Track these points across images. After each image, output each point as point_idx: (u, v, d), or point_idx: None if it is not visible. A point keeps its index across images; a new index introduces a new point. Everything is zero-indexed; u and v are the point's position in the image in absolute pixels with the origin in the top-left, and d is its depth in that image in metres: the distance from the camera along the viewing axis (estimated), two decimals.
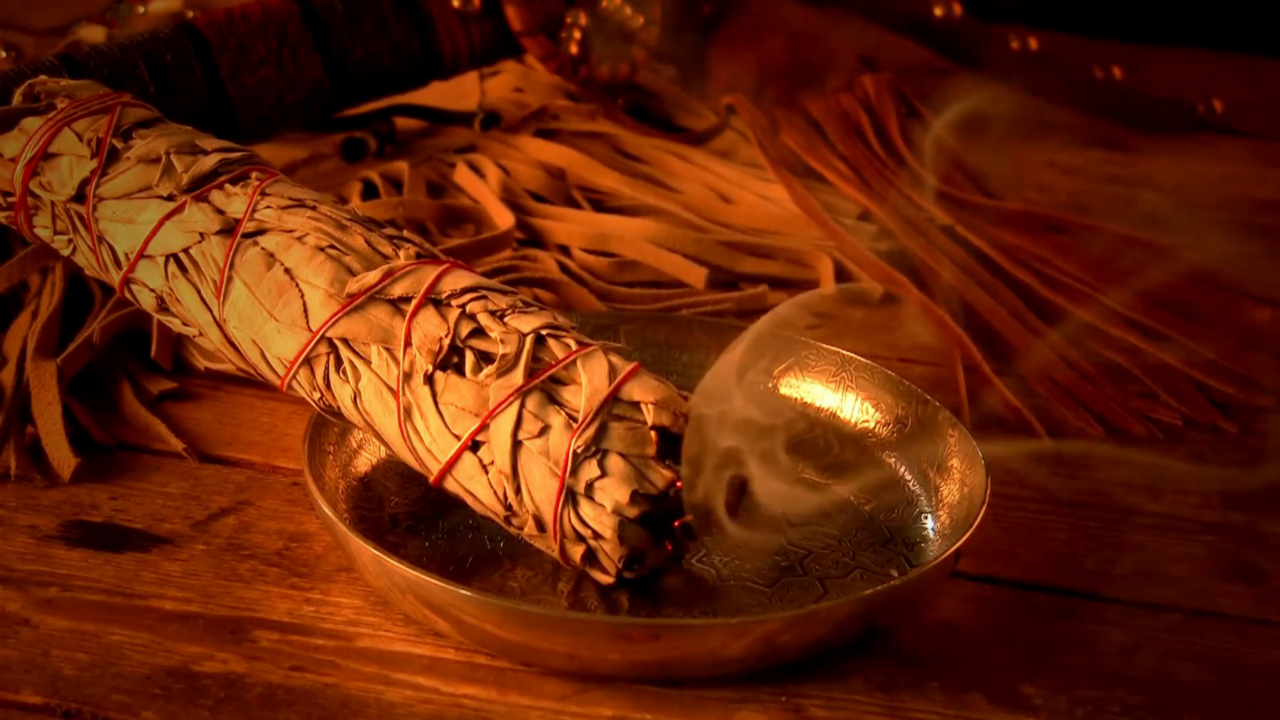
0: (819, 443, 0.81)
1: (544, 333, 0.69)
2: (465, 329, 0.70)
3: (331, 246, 0.73)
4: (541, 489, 0.67)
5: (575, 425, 0.67)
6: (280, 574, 0.73)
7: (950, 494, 0.76)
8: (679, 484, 0.67)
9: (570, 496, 0.67)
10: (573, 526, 0.67)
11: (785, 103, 1.13)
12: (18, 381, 0.82)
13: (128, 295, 0.77)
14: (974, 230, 1.02)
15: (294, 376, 0.72)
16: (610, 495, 0.66)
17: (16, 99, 0.81)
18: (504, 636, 0.66)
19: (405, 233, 0.75)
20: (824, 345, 0.83)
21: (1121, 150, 1.24)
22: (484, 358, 0.69)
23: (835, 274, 0.99)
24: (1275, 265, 0.99)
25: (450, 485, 0.70)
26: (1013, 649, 0.70)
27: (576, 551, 0.67)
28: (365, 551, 0.67)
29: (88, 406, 0.83)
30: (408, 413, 0.69)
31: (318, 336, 0.71)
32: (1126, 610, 0.73)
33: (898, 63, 1.27)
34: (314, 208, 0.74)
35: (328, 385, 0.71)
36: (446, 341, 0.69)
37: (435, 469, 0.69)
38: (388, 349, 0.70)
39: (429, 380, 0.69)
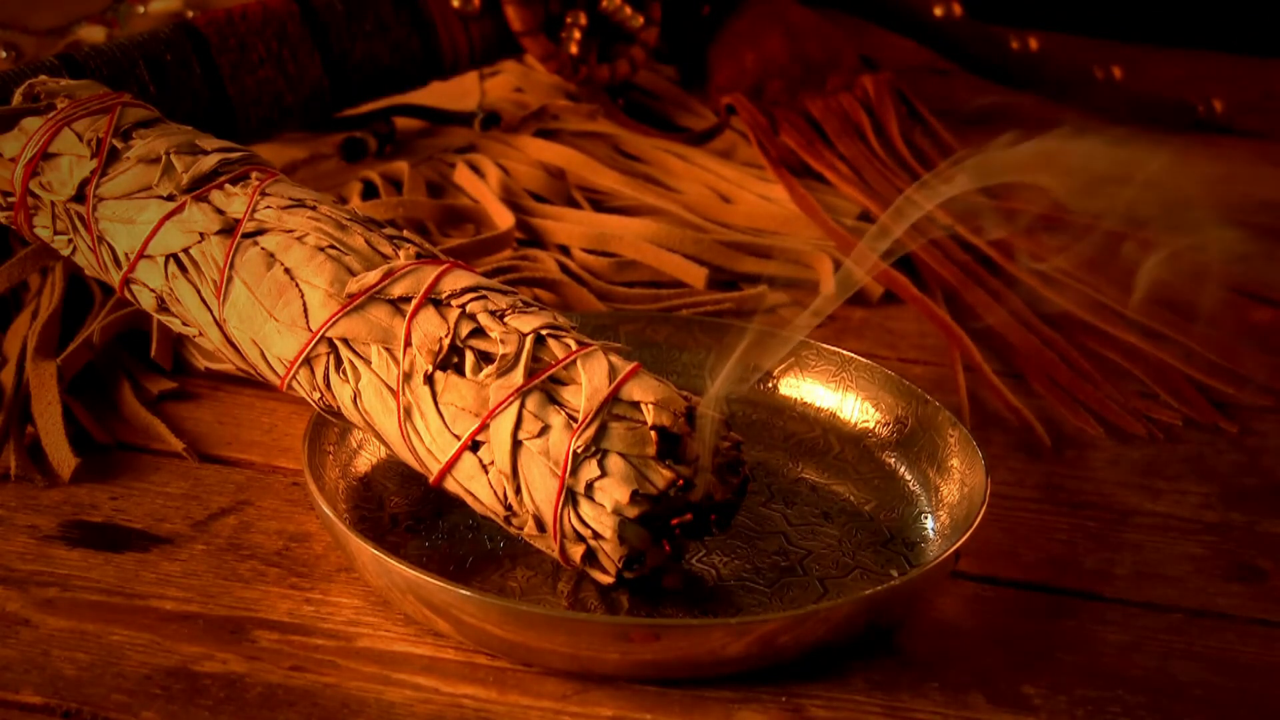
0: (819, 442, 0.81)
1: (544, 333, 0.69)
2: (465, 329, 0.70)
3: (331, 246, 0.73)
4: (541, 489, 0.67)
5: (575, 425, 0.67)
6: (280, 574, 0.73)
7: (950, 494, 0.76)
8: (679, 483, 0.67)
9: (570, 496, 0.67)
10: (573, 526, 0.67)
11: (785, 103, 1.13)
12: (18, 381, 0.82)
13: (128, 295, 0.77)
14: (974, 230, 1.02)
15: (294, 376, 0.72)
16: (610, 495, 0.66)
17: (16, 99, 0.81)
18: (504, 636, 0.66)
19: (405, 233, 0.75)
20: (824, 345, 0.83)
21: (1121, 150, 1.24)
22: (484, 358, 0.69)
23: (835, 274, 0.99)
24: (1275, 265, 0.99)
25: (450, 485, 0.70)
26: (1013, 649, 0.70)
27: (576, 551, 0.67)
28: (365, 551, 0.67)
29: (88, 406, 0.83)
30: (408, 413, 0.69)
31: (318, 336, 0.71)
32: (1126, 610, 0.73)
33: (898, 63, 1.27)
34: (314, 208, 0.74)
35: (328, 385, 0.71)
36: (446, 341, 0.69)
37: (435, 469, 0.69)
38: (388, 349, 0.70)
39: (429, 380, 0.69)
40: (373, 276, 0.71)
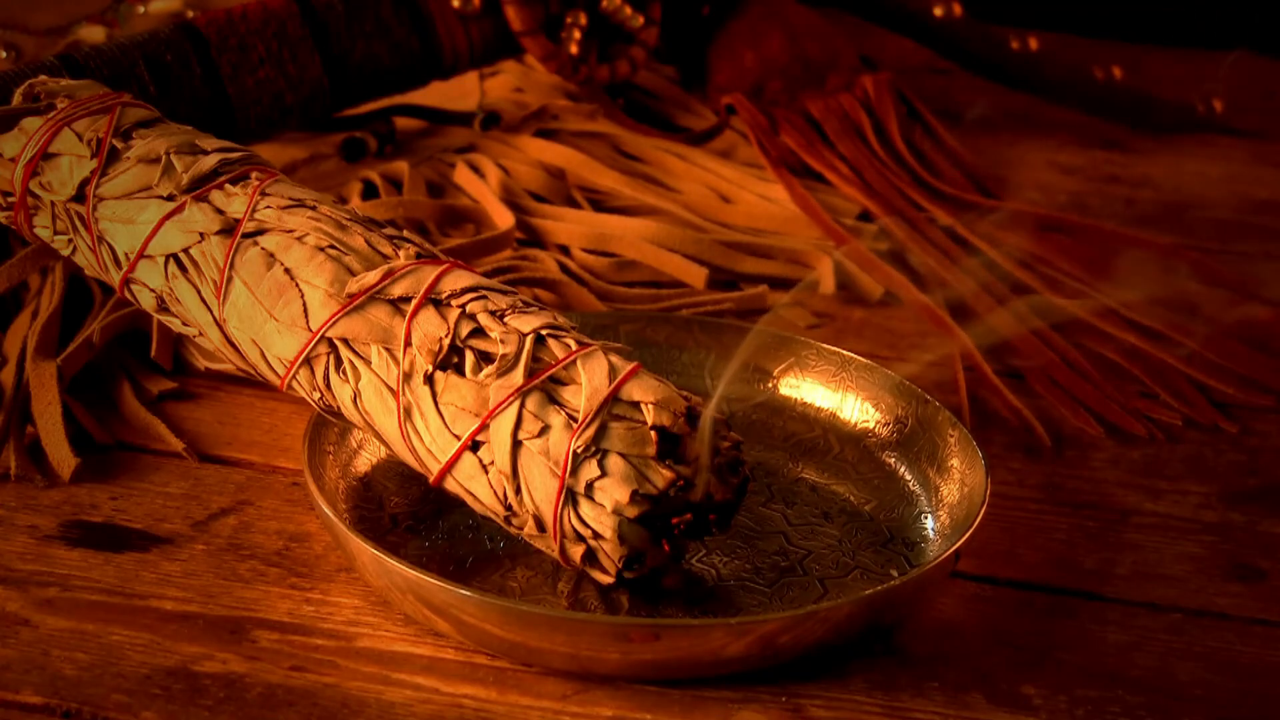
0: (819, 442, 0.81)
1: (544, 333, 0.69)
2: (465, 329, 0.70)
3: (331, 246, 0.73)
4: (541, 489, 0.67)
5: (575, 425, 0.67)
6: (280, 574, 0.73)
7: (950, 494, 0.76)
8: (679, 483, 0.67)
9: (570, 496, 0.67)
10: (573, 526, 0.67)
11: (785, 103, 1.13)
12: (18, 381, 0.82)
13: (128, 295, 0.77)
14: (974, 230, 1.02)
15: (294, 376, 0.72)
16: (610, 495, 0.66)
17: (16, 99, 0.81)
18: (504, 636, 0.66)
19: (405, 233, 0.75)
20: (824, 345, 0.83)
21: (1121, 150, 1.24)
22: (484, 358, 0.69)
23: (835, 274, 0.99)
24: (1275, 265, 0.99)
25: (450, 485, 0.70)
26: (1013, 649, 0.70)
27: (576, 551, 0.67)
28: (365, 551, 0.67)
29: (88, 406, 0.83)
30: (408, 413, 0.69)
31: (318, 336, 0.71)
32: (1126, 610, 0.73)
33: (898, 63, 1.27)
34: (314, 208, 0.74)
35: (328, 385, 0.71)
36: (446, 341, 0.69)
37: (435, 469, 0.69)
38: (388, 349, 0.70)
39: (429, 380, 0.69)
40: (373, 276, 0.71)
